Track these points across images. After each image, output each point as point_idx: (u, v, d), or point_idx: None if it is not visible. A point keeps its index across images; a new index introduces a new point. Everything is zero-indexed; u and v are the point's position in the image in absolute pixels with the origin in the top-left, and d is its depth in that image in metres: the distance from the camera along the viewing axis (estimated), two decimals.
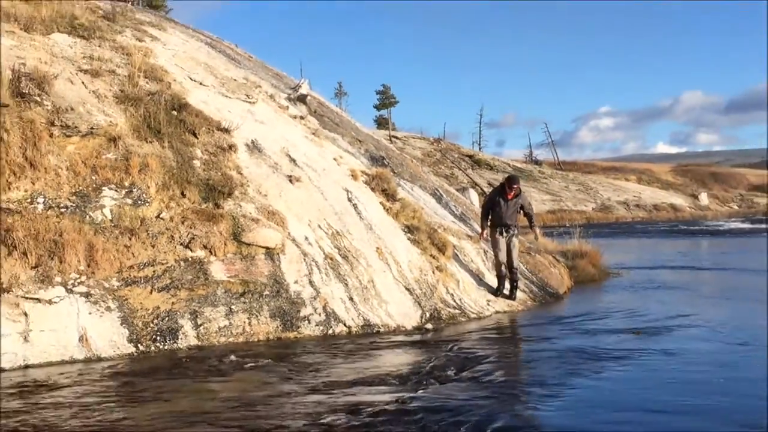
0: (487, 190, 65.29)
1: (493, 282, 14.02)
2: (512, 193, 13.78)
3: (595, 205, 74.12)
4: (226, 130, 13.04)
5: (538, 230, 14.74)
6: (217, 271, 10.64)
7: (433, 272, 13.13)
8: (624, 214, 73.01)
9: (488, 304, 13.37)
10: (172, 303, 10.04)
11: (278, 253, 11.29)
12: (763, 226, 49.70)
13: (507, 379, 8.56)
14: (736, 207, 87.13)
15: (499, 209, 13.85)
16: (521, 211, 13.97)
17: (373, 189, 14.50)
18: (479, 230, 14.86)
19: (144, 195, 10.96)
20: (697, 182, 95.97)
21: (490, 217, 14.04)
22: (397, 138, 76.43)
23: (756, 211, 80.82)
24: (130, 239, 10.32)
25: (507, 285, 13.90)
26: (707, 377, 8.53)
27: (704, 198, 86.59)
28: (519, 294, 13.98)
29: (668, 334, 11.11)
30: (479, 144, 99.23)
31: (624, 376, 8.66)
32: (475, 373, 8.72)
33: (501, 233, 13.84)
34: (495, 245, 13.88)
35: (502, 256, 13.79)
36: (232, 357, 9.26)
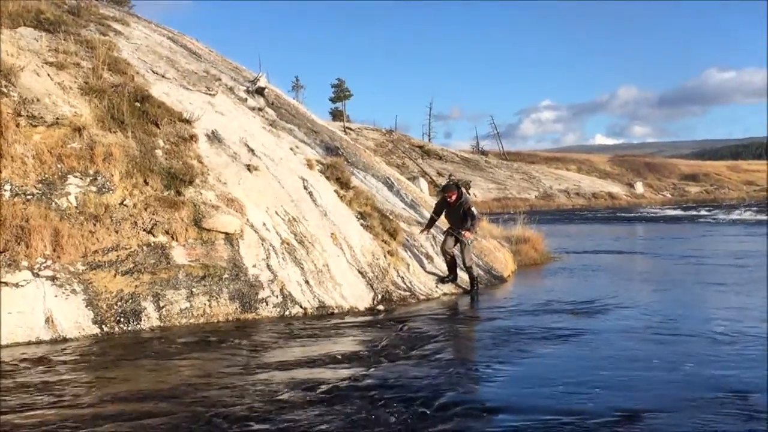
0: (437, 179, 65.66)
1: (442, 266, 14.09)
2: (452, 200, 13.66)
3: (537, 193, 74.86)
4: (187, 121, 12.95)
5: (468, 233, 13.50)
6: (179, 255, 10.60)
7: (385, 256, 13.18)
8: (565, 201, 73.86)
9: (437, 287, 13.45)
10: (135, 286, 9.98)
11: (237, 239, 11.26)
12: (694, 213, 50.64)
13: (454, 357, 8.66)
14: (669, 195, 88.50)
15: (447, 213, 13.94)
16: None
17: (328, 177, 14.50)
18: (426, 215, 14.91)
19: (108, 183, 10.86)
20: (633, 172, 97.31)
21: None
22: (351, 129, 76.27)
23: (687, 199, 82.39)
24: (94, 225, 10.23)
25: (463, 276, 13.90)
26: (639, 353, 8.70)
27: (639, 187, 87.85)
28: (466, 277, 14.03)
29: (604, 314, 11.30)
30: (429, 135, 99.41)
31: (563, 353, 8.79)
32: (424, 351, 8.79)
33: (452, 232, 13.72)
34: (444, 240, 13.83)
35: (448, 246, 13.67)
36: (193, 337, 9.24)
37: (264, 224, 11.87)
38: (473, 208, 13.63)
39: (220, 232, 11.15)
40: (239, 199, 11.90)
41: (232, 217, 11.38)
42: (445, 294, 13.36)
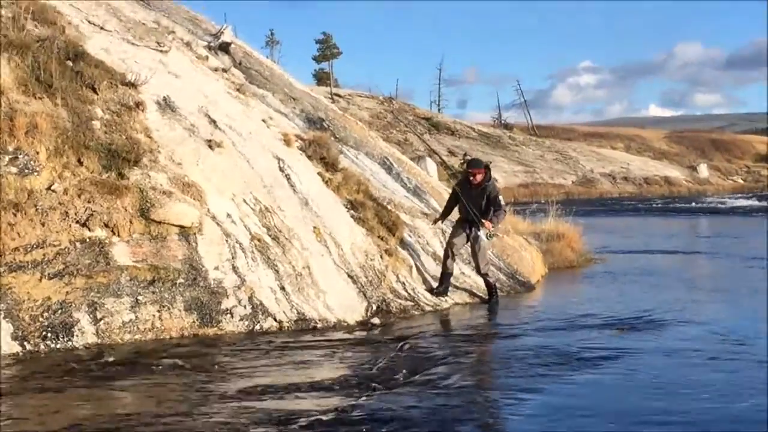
0: (447, 159, 65.66)
1: (454, 267, 14.12)
2: (476, 180, 13.44)
3: (575, 177, 74.99)
4: (133, 85, 12.91)
5: (492, 222, 13.39)
6: (121, 254, 10.58)
7: (382, 257, 13.20)
8: (609, 188, 74.06)
9: (447, 295, 13.50)
10: (66, 293, 9.96)
11: (195, 233, 11.26)
12: None
13: (467, 384, 8.65)
14: (741, 181, 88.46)
15: (463, 200, 13.59)
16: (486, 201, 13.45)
17: (309, 157, 14.51)
18: (434, 205, 14.89)
19: (32, 162, 10.83)
20: (696, 151, 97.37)
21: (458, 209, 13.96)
22: (339, 96, 76.33)
23: (765, 186, 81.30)
24: (15, 216, 10.20)
25: (477, 282, 13.88)
26: (697, 381, 8.69)
27: (704, 170, 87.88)
28: (483, 283, 14.01)
29: (656, 332, 11.31)
30: (438, 104, 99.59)
31: (602, 379, 8.81)
32: (429, 376, 8.80)
33: (465, 228, 13.63)
34: (452, 233, 13.82)
35: (456, 247, 13.61)
36: (139, 358, 9.23)
37: (229, 215, 11.87)
38: (500, 197, 13.66)
39: (173, 225, 11.13)
40: (198, 184, 11.89)
41: (189, 206, 11.37)
42: (457, 304, 13.41)
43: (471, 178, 13.50)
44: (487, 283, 13.79)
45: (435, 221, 14.48)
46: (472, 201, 13.43)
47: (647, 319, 12.10)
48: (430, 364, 9.33)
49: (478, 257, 13.53)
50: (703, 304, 13.70)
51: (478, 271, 13.67)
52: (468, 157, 69.04)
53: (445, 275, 13.60)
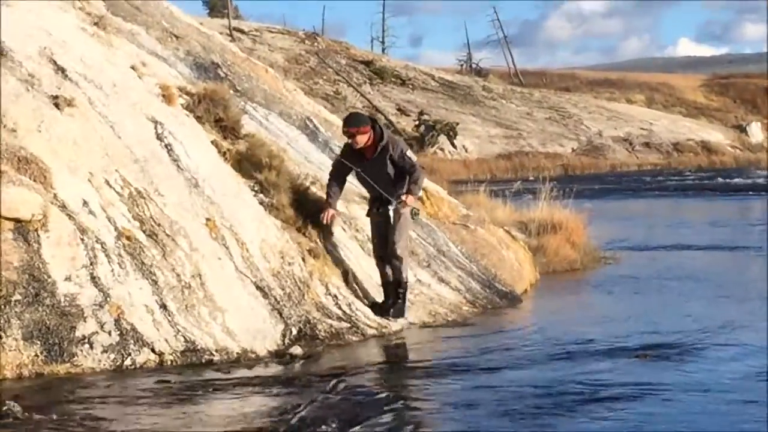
0: (395, 118, 65.74)
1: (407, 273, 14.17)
2: (359, 144, 13.15)
3: (576, 144, 75.42)
4: None
5: (414, 193, 13.34)
6: None
7: (304, 260, 13.20)
8: (624, 158, 74.50)
9: (403, 316, 13.54)
10: None
11: (37, 230, 11.15)
12: None
13: None
14: None
15: (361, 176, 13.49)
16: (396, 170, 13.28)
17: (199, 118, 14.52)
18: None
19: None
20: (745, 105, 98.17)
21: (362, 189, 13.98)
22: (242, 33, 76.22)
23: None
24: None
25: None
26: (749, 427, 8.79)
27: (756, 131, 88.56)
28: (448, 295, 14.05)
29: (691, 359, 11.44)
30: (383, 42, 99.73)
31: (620, 427, 8.86)
32: (372, 428, 8.81)
33: (376, 209, 13.55)
34: (371, 227, 13.83)
35: (381, 248, 13.57)
36: None
37: (85, 203, 11.80)
38: (410, 153, 13.44)
39: (5, 218, 11.03)
40: (40, 159, 11.79)
41: (27, 190, 11.27)
42: (411, 325, 13.51)
43: (350, 141, 13.28)
44: (396, 278, 13.40)
45: (326, 211, 13.74)
46: (373, 175, 13.31)
47: (680, 342, 12.21)
48: (374, 411, 9.30)
49: (393, 235, 13.26)
50: (755, 321, 13.78)
51: (390, 255, 13.35)
52: (425, 117, 69.30)
53: (386, 285, 13.62)
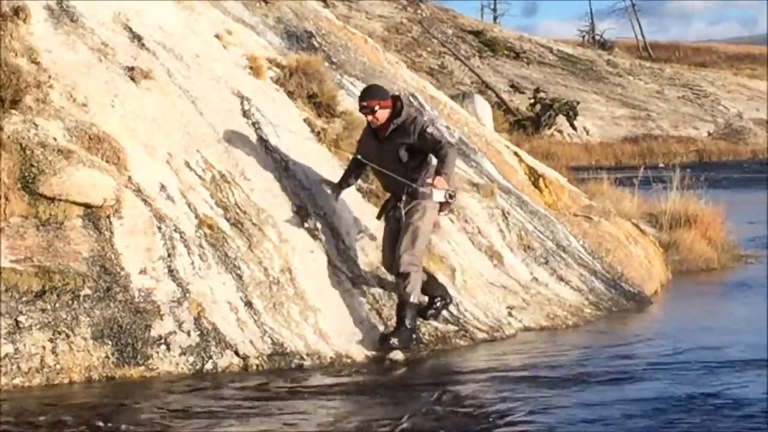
0: (508, 96, 65.59)
1: (521, 269, 14.22)
2: (377, 120, 12.19)
3: (713, 127, 74.92)
4: None
5: (439, 182, 11.87)
6: None
7: None
8: None
9: (510, 314, 13.44)
10: None
11: (109, 217, 11.17)
12: None
13: None
14: None
15: (375, 159, 12.41)
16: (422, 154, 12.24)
17: (291, 93, 14.51)
18: (489, 171, 14.58)
19: None
20: None
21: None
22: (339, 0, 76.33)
23: None
24: None
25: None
26: None
27: None
28: (568, 295, 13.90)
29: None
30: (494, 10, 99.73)
31: None
32: None
33: (387, 211, 12.46)
34: (383, 237, 12.66)
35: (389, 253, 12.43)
36: (12, 418, 9.04)
37: (163, 188, 11.81)
38: (431, 129, 12.21)
39: (74, 202, 11.02)
40: (113, 137, 11.80)
41: (99, 172, 11.24)
42: (525, 328, 13.39)
43: (369, 118, 12.30)
44: (402, 287, 12.01)
45: (333, 189, 12.98)
46: (386, 160, 12.27)
47: None
48: (485, 424, 9.22)
49: (402, 240, 11.97)
50: None
51: (398, 256, 11.99)
52: (541, 94, 69.19)
53: (424, 281, 12.33)
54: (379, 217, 12.55)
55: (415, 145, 11.94)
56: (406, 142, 11.94)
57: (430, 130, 12.00)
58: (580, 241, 16.23)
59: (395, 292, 12.16)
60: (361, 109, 12.26)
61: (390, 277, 12.50)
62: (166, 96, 12.82)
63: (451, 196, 11.83)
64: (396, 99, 12.25)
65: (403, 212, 11.93)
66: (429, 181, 11.72)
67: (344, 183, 12.82)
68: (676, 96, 78.69)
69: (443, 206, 12.05)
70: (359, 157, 12.39)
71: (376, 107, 11.99)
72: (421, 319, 12.29)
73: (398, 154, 11.98)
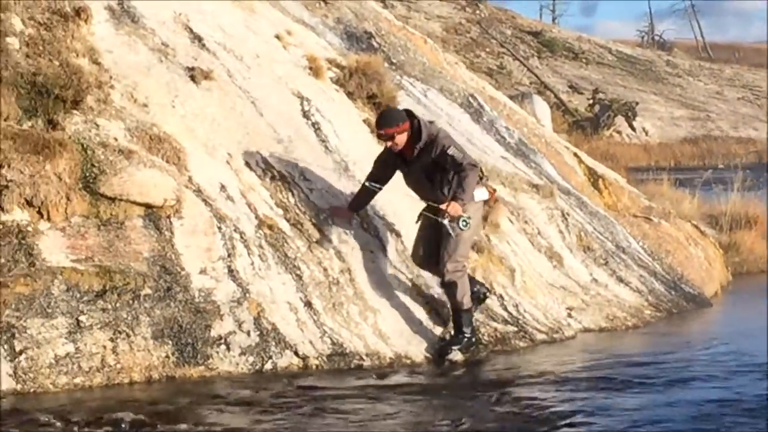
0: (566, 96, 65.34)
1: (581, 270, 14.12)
2: (398, 146, 11.99)
3: None
4: None
5: (460, 199, 11.75)
6: (54, 248, 10.60)
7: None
8: None
9: (569, 316, 13.46)
10: None
11: (169, 217, 11.28)
12: None
13: None
14: None
15: (405, 177, 12.45)
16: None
17: (350, 94, 14.55)
18: (549, 172, 14.62)
19: None
20: None
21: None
22: (397, 0, 76.18)
23: None
24: None
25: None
26: None
27: None
28: (628, 296, 13.89)
29: None
30: (553, 11, 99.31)
31: None
32: None
33: (432, 213, 12.07)
34: (419, 229, 12.47)
35: (424, 252, 12.36)
36: (79, 417, 9.14)
37: (223, 188, 11.90)
38: (454, 149, 11.91)
39: (135, 202, 11.13)
40: (174, 138, 11.90)
41: (160, 173, 11.35)
42: (585, 330, 13.41)
43: (389, 144, 12.10)
44: (455, 304, 12.08)
45: (348, 212, 12.79)
46: (414, 179, 12.33)
47: None
48: (546, 427, 9.21)
49: (443, 252, 11.95)
50: None
51: (441, 276, 12.14)
52: (600, 96, 68.81)
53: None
54: (418, 220, 12.31)
55: (439, 161, 11.82)
56: (431, 159, 11.86)
57: (451, 152, 11.77)
58: (640, 243, 16.19)
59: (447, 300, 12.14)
60: (380, 137, 12.24)
61: (417, 270, 12.53)
62: (226, 96, 12.92)
63: (465, 223, 11.63)
64: (411, 117, 12.04)
65: (448, 226, 11.66)
66: (448, 206, 11.54)
67: (358, 207, 12.69)
68: (736, 97, 78.14)
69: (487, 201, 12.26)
70: (368, 184, 12.29)
71: (395, 134, 11.84)
72: (480, 321, 12.39)
73: (427, 173, 11.97)
